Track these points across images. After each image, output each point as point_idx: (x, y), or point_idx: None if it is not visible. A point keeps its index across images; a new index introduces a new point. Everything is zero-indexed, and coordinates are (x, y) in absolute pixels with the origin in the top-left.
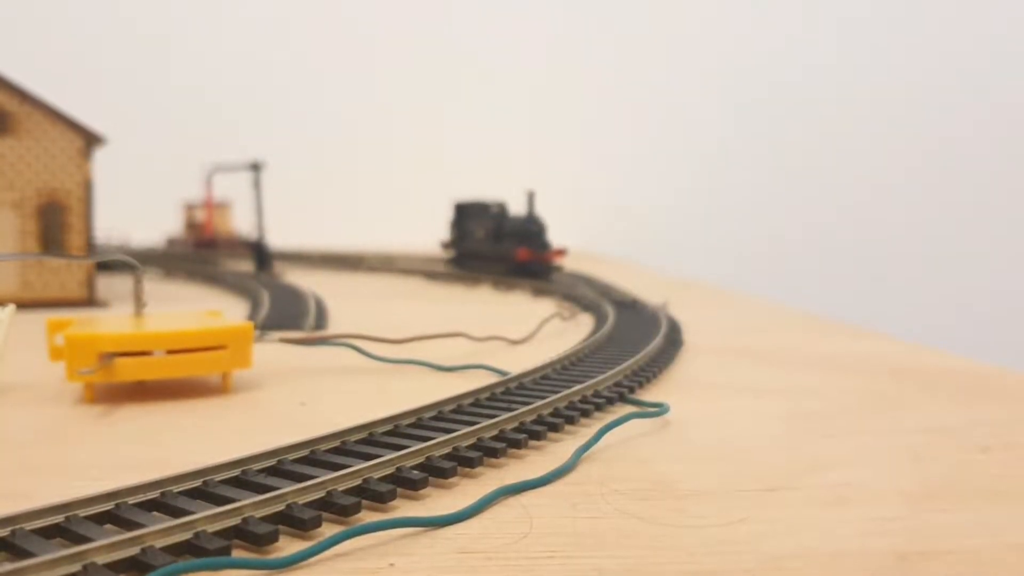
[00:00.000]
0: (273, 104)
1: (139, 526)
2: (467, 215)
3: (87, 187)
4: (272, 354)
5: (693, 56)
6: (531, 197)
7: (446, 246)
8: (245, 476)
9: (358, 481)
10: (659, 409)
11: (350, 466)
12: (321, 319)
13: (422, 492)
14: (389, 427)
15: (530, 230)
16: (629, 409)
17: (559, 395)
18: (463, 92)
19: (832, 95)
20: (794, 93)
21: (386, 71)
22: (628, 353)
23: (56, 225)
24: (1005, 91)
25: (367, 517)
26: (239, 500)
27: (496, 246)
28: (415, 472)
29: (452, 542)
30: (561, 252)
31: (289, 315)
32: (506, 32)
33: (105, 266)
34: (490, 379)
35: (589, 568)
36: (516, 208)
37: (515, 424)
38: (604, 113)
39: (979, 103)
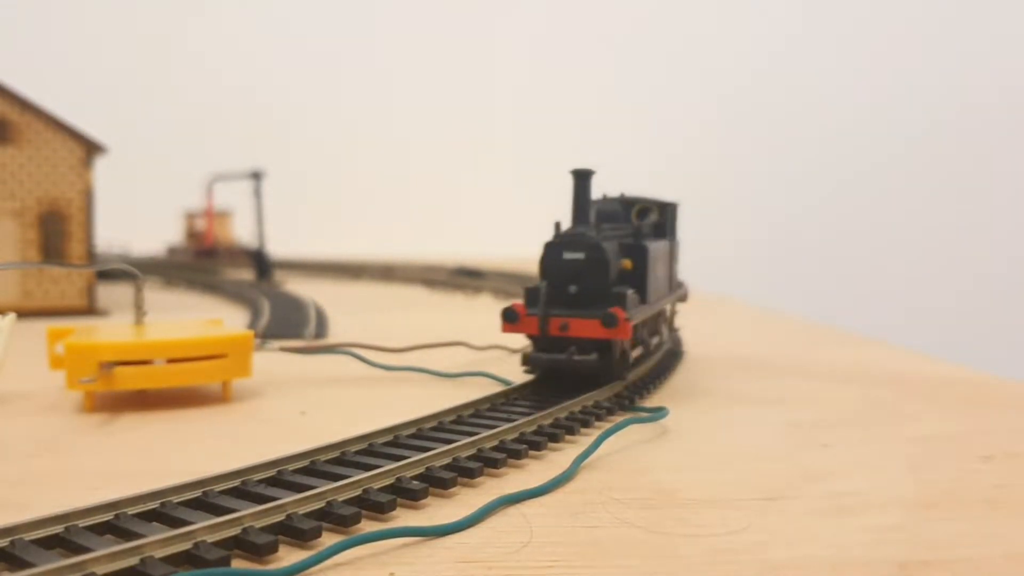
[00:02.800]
0: (274, 113)
1: (138, 536)
2: None
3: (88, 196)
4: (272, 363)
5: (689, 58)
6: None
7: None
8: (245, 486)
9: (358, 491)
10: (657, 414)
11: (350, 476)
12: (322, 328)
13: (422, 502)
14: (389, 437)
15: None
16: (628, 416)
17: (559, 406)
18: (462, 100)
19: (833, 101)
20: (796, 96)
21: (388, 78)
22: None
23: (57, 234)
24: (1003, 91)
25: (367, 527)
26: (239, 510)
27: None
28: (415, 482)
29: (452, 551)
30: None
31: (290, 324)
32: (499, 34)
33: (106, 275)
34: (491, 387)
35: None
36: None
37: (515, 435)
38: (597, 119)
39: (980, 105)
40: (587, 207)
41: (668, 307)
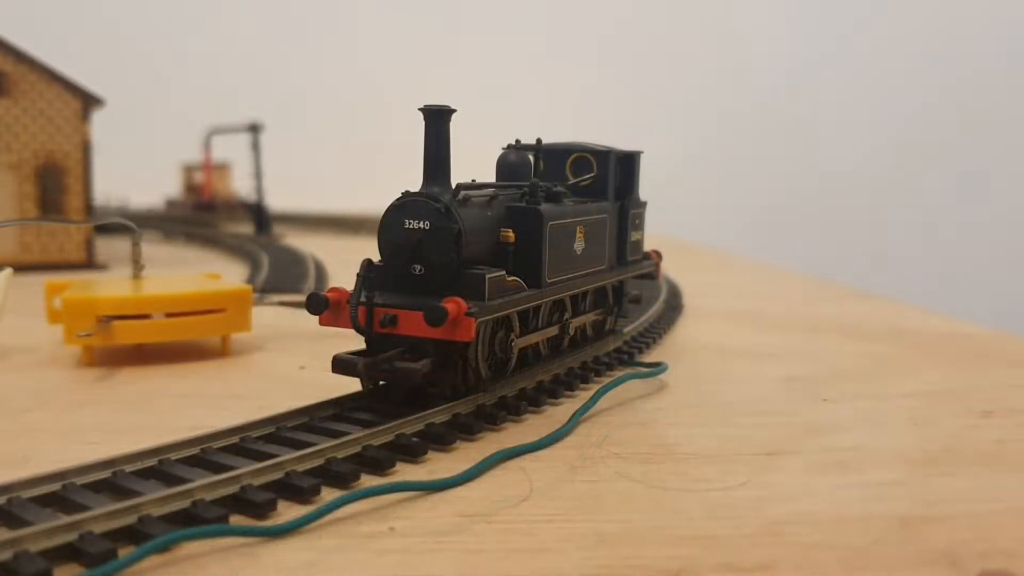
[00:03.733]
0: (272, 64)
1: (136, 494)
2: None
3: (85, 149)
4: (271, 317)
5: (696, 15)
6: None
7: None
8: (244, 443)
9: (357, 448)
10: (656, 369)
11: (349, 433)
12: (321, 282)
13: (422, 457)
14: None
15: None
16: (627, 371)
17: (558, 361)
18: (462, 50)
19: (834, 57)
20: (798, 56)
21: (391, 28)
22: (628, 318)
23: (54, 187)
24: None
25: (367, 482)
26: (237, 468)
27: None
28: (414, 438)
29: (452, 506)
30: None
31: (289, 278)
32: None
33: (104, 228)
34: None
35: (589, 531)
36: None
37: (514, 391)
38: (604, 71)
39: (980, 69)
40: (443, 157)
41: (608, 287)
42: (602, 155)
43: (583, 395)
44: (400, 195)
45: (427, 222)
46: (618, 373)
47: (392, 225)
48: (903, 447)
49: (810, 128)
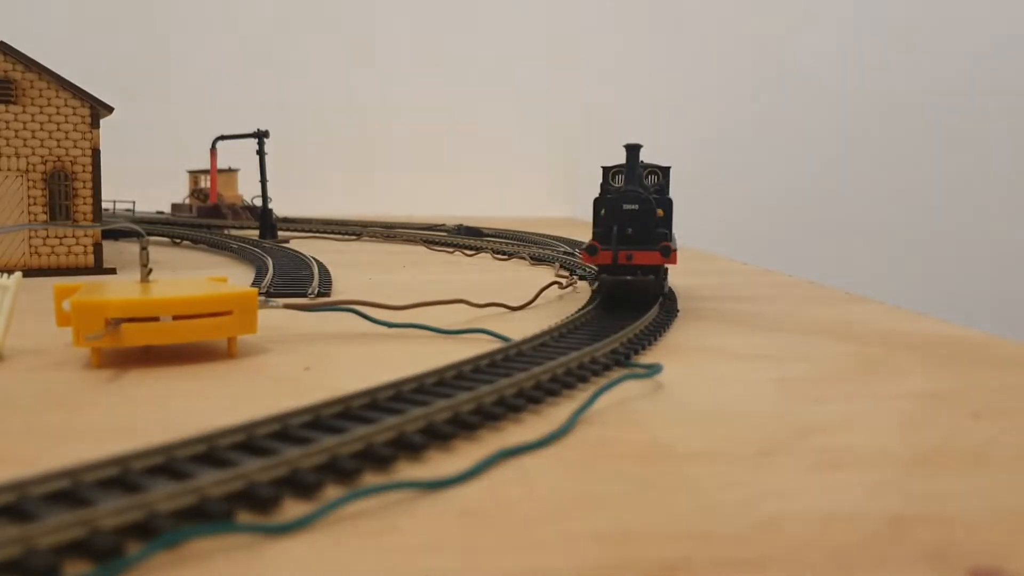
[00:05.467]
0: (278, 71)
1: (145, 490)
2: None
3: (94, 156)
4: (277, 320)
5: (693, 23)
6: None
7: None
8: (251, 441)
9: (361, 445)
10: (652, 370)
11: (353, 430)
12: (325, 285)
13: (423, 455)
14: (392, 392)
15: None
16: (625, 372)
17: (557, 362)
18: (464, 59)
19: (827, 55)
20: (790, 56)
21: (390, 38)
22: (625, 320)
23: (63, 193)
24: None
25: (370, 480)
26: (244, 464)
27: None
28: (417, 436)
29: (452, 504)
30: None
31: (294, 282)
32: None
33: (112, 234)
34: (491, 344)
35: (586, 530)
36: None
37: (514, 390)
38: (602, 76)
39: (979, 69)
40: (637, 171)
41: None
42: (663, 169)
43: (581, 395)
44: (616, 190)
45: (637, 205)
46: (615, 374)
47: (614, 207)
48: (894, 447)
49: (803, 130)
